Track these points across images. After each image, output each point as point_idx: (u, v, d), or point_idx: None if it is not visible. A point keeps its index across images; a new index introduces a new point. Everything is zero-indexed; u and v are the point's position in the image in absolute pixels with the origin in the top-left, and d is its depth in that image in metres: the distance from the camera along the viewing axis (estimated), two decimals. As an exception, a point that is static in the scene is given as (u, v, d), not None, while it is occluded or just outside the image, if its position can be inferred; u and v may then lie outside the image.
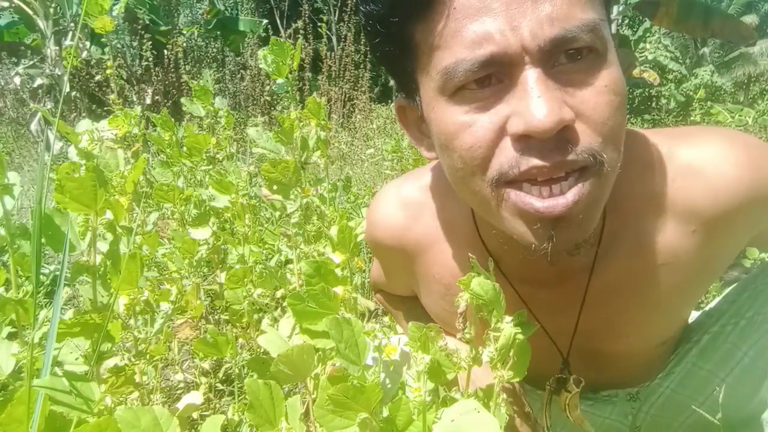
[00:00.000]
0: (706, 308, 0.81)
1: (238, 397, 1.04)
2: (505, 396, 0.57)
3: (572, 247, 0.57)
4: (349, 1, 4.64)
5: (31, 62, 5.43)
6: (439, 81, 0.51)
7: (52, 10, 4.92)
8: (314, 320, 0.59)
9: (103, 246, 0.72)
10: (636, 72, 5.52)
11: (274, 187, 1.01)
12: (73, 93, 4.75)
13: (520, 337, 0.54)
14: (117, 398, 0.78)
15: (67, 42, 4.89)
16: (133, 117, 1.31)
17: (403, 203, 0.74)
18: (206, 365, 1.25)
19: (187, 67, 5.07)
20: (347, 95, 4.50)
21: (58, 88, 4.88)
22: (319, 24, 4.30)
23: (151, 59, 4.59)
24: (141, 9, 5.87)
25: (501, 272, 0.67)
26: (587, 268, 0.63)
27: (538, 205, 0.49)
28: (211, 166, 1.53)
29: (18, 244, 0.68)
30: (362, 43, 4.64)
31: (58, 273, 1.75)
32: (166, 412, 0.52)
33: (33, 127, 4.90)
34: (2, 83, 5.12)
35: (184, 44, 5.53)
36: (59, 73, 4.87)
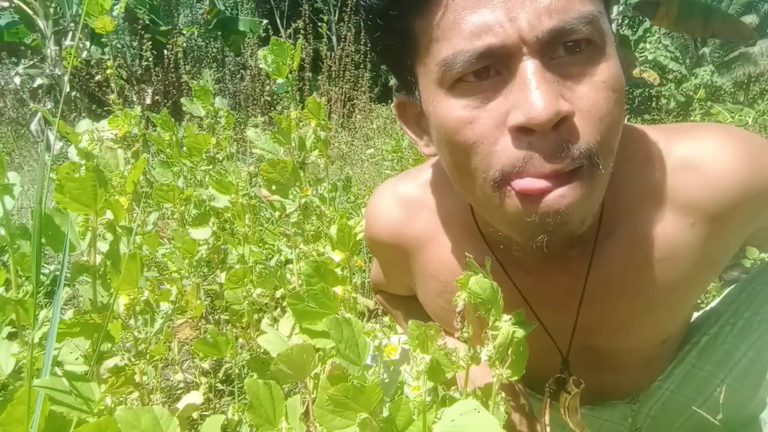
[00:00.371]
0: (706, 308, 0.81)
1: (238, 397, 1.04)
2: (503, 395, 0.57)
3: (568, 241, 0.57)
4: (349, 1, 4.64)
5: (31, 62, 5.43)
6: (437, 73, 0.51)
7: (52, 10, 4.92)
8: (314, 320, 0.59)
9: (103, 246, 0.72)
10: (636, 72, 5.51)
11: (273, 187, 1.01)
12: (73, 93, 4.75)
13: (519, 335, 0.54)
14: (117, 398, 0.78)
15: (67, 42, 4.89)
16: (133, 117, 1.31)
17: (401, 200, 0.74)
18: (206, 365, 1.25)
19: (187, 67, 5.07)
20: (347, 95, 4.50)
21: (58, 88, 4.89)
22: (319, 24, 4.31)
23: (151, 59, 4.59)
24: (141, 9, 5.87)
25: (500, 266, 0.67)
26: (586, 260, 0.64)
27: (536, 202, 0.50)
28: (211, 166, 1.53)
29: (18, 244, 0.68)
30: (362, 43, 4.64)
31: (58, 273, 1.75)
32: (166, 412, 0.52)
33: (33, 127, 4.90)
34: (2, 83, 5.13)
35: (184, 44, 5.52)
36: (59, 73, 4.87)
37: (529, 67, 0.47)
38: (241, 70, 5.39)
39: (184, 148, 1.47)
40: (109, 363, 0.75)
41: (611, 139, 0.51)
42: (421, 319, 0.82)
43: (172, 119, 1.57)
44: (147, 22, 5.82)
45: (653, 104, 6.57)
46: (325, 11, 8.63)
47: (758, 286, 0.73)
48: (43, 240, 0.64)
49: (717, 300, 0.80)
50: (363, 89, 4.46)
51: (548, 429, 0.70)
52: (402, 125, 0.65)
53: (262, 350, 1.07)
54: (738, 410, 0.72)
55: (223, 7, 8.47)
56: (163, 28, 6.03)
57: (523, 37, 0.47)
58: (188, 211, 1.42)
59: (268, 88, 4.80)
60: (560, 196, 0.49)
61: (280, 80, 1.10)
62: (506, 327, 0.52)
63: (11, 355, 0.68)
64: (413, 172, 0.77)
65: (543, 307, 0.68)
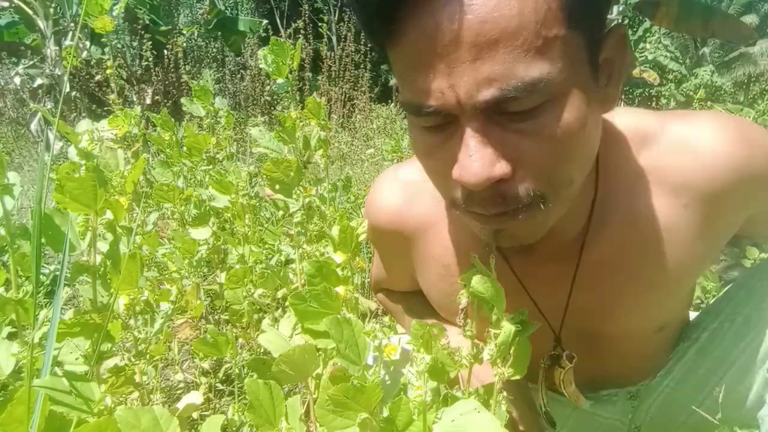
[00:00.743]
0: (708, 308, 0.81)
1: (238, 397, 1.04)
2: (505, 393, 0.57)
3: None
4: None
5: (31, 62, 5.42)
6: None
7: (52, 10, 4.91)
8: (316, 320, 0.59)
9: (103, 246, 0.72)
10: (636, 72, 5.52)
11: (276, 187, 1.01)
12: (73, 93, 4.75)
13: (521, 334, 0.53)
14: (117, 398, 0.78)
15: (67, 42, 4.89)
16: (133, 117, 1.31)
17: (402, 184, 0.75)
18: (206, 365, 1.25)
19: (187, 67, 5.06)
20: (347, 95, 4.49)
21: (58, 88, 4.88)
22: (319, 24, 4.30)
23: (151, 59, 4.58)
24: (141, 9, 5.87)
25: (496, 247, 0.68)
26: (579, 242, 0.64)
27: (485, 222, 0.54)
28: (211, 166, 1.53)
29: (18, 244, 0.68)
30: (362, 43, 4.64)
31: (58, 273, 1.75)
32: (166, 412, 0.52)
33: (33, 127, 4.90)
34: (2, 83, 5.12)
35: (184, 44, 5.52)
36: (59, 73, 4.87)
37: (468, 131, 0.48)
38: (241, 70, 5.38)
39: (184, 148, 1.47)
40: (109, 363, 0.75)
41: (562, 180, 0.52)
42: (423, 313, 0.82)
43: (172, 119, 1.57)
44: (147, 22, 5.81)
45: (653, 104, 6.58)
46: (325, 11, 8.63)
47: (757, 282, 0.73)
48: (43, 240, 0.64)
49: (716, 298, 0.80)
50: (363, 89, 4.46)
51: (545, 402, 0.71)
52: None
53: (262, 350, 1.07)
54: (736, 408, 0.72)
55: (223, 7, 8.47)
56: (163, 28, 6.03)
57: (462, 104, 0.47)
58: (188, 211, 1.42)
59: (268, 88, 4.80)
60: (504, 222, 0.53)
61: (280, 80, 1.10)
62: (508, 326, 0.52)
63: (11, 355, 0.68)
64: (414, 158, 0.78)
65: (537, 288, 0.68)
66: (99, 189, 0.63)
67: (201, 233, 1.26)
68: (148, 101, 5.03)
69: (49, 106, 4.87)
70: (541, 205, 0.52)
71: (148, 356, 0.86)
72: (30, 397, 0.49)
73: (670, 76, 7.57)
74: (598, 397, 0.84)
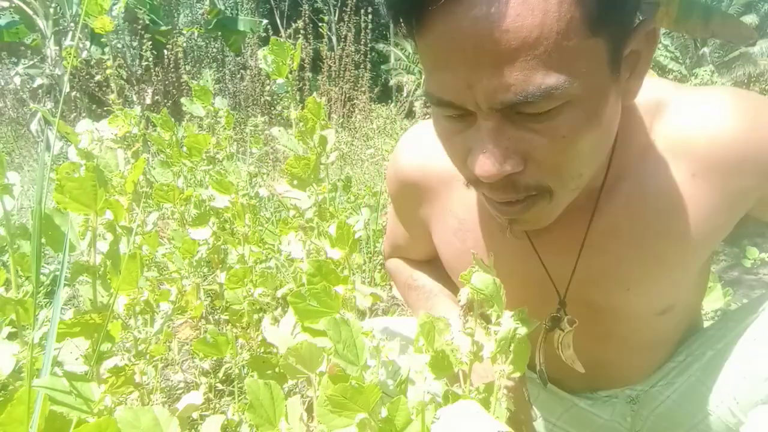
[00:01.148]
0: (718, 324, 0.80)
1: (238, 397, 1.04)
2: (505, 390, 0.57)
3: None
4: (349, 1, 4.64)
5: (31, 62, 5.42)
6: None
7: (52, 10, 4.91)
8: (316, 319, 0.59)
9: (103, 246, 0.72)
10: (636, 72, 5.51)
11: (294, 182, 1.07)
12: (73, 93, 4.74)
13: (521, 332, 0.53)
14: (117, 398, 0.78)
15: (67, 42, 4.89)
16: (133, 117, 1.31)
17: (427, 139, 0.75)
18: (206, 365, 1.25)
19: (187, 67, 5.06)
20: (347, 95, 4.49)
21: (58, 88, 4.88)
22: (319, 24, 4.30)
23: (151, 59, 4.58)
24: (141, 9, 5.86)
25: None
26: (591, 209, 0.65)
27: (496, 207, 0.58)
28: (211, 166, 1.53)
29: (18, 244, 0.68)
30: (362, 43, 4.64)
31: (58, 273, 1.75)
32: (166, 412, 0.52)
33: (33, 127, 4.90)
34: (2, 83, 5.12)
35: (184, 44, 5.52)
36: (59, 73, 4.87)
37: (484, 126, 0.50)
38: (241, 70, 5.38)
39: (184, 148, 1.47)
40: (109, 363, 0.75)
41: (571, 175, 0.54)
42: (431, 290, 0.83)
43: (172, 119, 1.57)
44: (147, 22, 5.81)
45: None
46: (325, 11, 8.63)
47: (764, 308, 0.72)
48: (43, 240, 0.65)
49: (719, 319, 0.79)
50: (363, 89, 4.46)
51: (543, 367, 0.72)
52: None
53: (262, 350, 1.07)
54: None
55: (223, 7, 8.47)
56: (163, 28, 6.03)
57: (479, 104, 0.48)
58: (188, 211, 1.42)
59: (268, 88, 4.79)
60: (512, 210, 0.56)
61: (280, 80, 1.10)
62: (508, 323, 0.52)
63: (11, 355, 0.68)
64: None
65: (547, 252, 0.69)
66: (99, 189, 0.63)
67: (201, 233, 1.26)
68: (148, 101, 5.03)
69: (49, 106, 4.87)
70: (549, 196, 0.55)
71: (148, 356, 0.86)
72: (30, 397, 0.49)
73: (670, 76, 7.57)
74: (597, 397, 0.83)
